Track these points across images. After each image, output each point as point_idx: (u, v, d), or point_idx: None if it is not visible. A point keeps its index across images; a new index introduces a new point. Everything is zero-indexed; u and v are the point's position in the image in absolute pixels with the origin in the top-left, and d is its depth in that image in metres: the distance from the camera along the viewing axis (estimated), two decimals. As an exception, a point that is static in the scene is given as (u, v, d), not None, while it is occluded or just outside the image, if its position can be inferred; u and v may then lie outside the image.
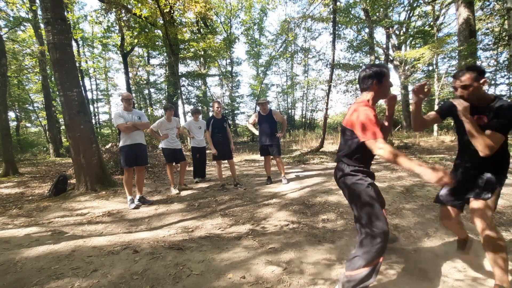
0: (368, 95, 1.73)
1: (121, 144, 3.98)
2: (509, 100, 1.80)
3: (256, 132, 5.09)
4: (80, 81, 5.69)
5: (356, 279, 1.62)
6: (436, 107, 12.86)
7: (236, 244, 2.56)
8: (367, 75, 1.70)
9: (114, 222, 3.32)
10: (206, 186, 5.20)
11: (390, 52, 16.83)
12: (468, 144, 1.78)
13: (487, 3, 12.56)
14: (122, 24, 13.20)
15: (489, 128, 1.66)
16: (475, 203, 1.78)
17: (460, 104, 1.69)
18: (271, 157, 5.15)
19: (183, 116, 13.06)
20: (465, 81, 1.70)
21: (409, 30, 16.98)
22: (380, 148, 1.57)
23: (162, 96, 21.89)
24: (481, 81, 1.69)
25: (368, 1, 11.54)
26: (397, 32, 16.94)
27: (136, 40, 14.01)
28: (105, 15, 12.44)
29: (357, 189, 1.72)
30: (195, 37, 14.78)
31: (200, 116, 5.68)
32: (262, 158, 5.62)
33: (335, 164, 1.97)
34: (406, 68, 15.88)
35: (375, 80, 1.68)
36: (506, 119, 1.64)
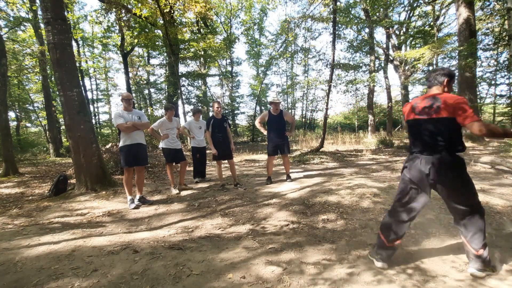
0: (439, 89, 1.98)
1: (121, 144, 3.98)
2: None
3: (264, 132, 5.11)
4: (80, 81, 5.70)
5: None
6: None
7: (236, 244, 2.56)
8: (441, 72, 1.99)
9: (114, 222, 3.32)
10: (206, 186, 5.20)
11: (390, 52, 16.83)
12: None
13: (487, 3, 12.56)
14: (122, 24, 13.21)
15: None
16: None
17: None
18: (277, 156, 5.18)
19: (183, 116, 13.05)
20: None
21: (409, 30, 16.98)
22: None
23: (162, 96, 21.91)
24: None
25: (368, 1, 11.54)
26: (397, 32, 16.94)
27: (136, 40, 14.01)
28: (105, 15, 12.44)
29: (466, 172, 1.89)
30: (195, 37, 14.79)
31: (201, 116, 5.69)
32: (262, 158, 5.63)
33: (422, 160, 1.92)
34: (406, 68, 15.87)
35: (447, 78, 1.96)
36: None
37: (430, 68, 19.31)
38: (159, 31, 13.13)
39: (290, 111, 25.11)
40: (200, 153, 5.65)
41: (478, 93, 14.74)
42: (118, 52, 16.85)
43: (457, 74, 11.55)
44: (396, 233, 2.02)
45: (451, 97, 1.86)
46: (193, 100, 20.15)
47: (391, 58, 16.73)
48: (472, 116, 1.74)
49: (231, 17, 20.73)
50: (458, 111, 1.78)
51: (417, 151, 1.97)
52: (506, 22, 9.46)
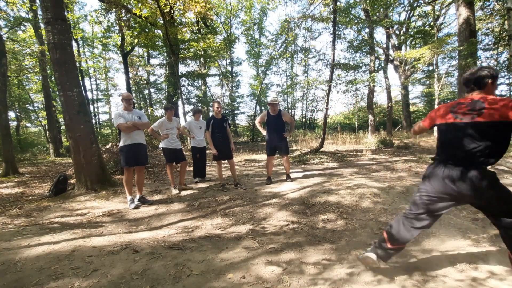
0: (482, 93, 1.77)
1: (121, 144, 3.98)
2: None
3: (264, 132, 5.10)
4: (80, 81, 5.69)
5: None
6: (436, 107, 12.85)
7: (236, 244, 2.56)
8: (485, 74, 1.75)
9: (114, 222, 3.32)
10: (206, 186, 5.20)
11: (390, 52, 16.83)
12: None
13: (487, 3, 12.56)
14: (122, 24, 13.21)
15: None
16: None
17: None
18: (276, 156, 5.18)
19: (183, 116, 13.05)
20: None
21: (409, 30, 17.00)
22: None
23: (162, 96, 21.91)
24: None
25: (368, 1, 11.54)
26: (397, 32, 16.95)
27: (136, 40, 14.01)
28: (105, 15, 12.44)
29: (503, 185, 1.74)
30: (195, 37, 14.78)
31: (201, 116, 5.69)
32: (262, 158, 5.63)
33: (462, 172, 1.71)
34: (406, 68, 15.88)
35: (491, 80, 1.75)
36: None
37: (430, 68, 19.34)
38: (159, 31, 13.13)
39: (290, 111, 25.13)
40: (201, 153, 5.65)
41: (478, 93, 14.70)
42: (118, 52, 16.87)
43: (457, 74, 11.56)
44: (402, 238, 1.89)
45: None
46: (193, 100, 20.15)
47: (391, 58, 16.74)
48: None
49: (231, 17, 20.73)
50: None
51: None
52: (506, 22, 9.46)
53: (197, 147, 5.57)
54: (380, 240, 1.97)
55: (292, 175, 5.37)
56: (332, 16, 9.51)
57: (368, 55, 17.09)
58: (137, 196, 4.08)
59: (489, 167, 1.70)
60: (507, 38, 8.51)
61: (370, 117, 15.89)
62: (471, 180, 1.66)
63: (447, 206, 1.80)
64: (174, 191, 4.67)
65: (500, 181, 1.80)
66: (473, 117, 1.68)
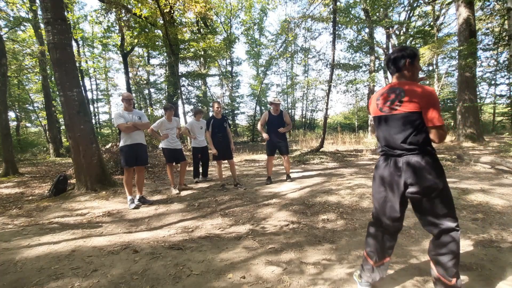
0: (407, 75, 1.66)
1: (121, 144, 3.98)
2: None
3: (265, 136, 5.07)
4: (80, 81, 5.69)
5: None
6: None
7: (236, 244, 2.56)
8: (399, 55, 1.64)
9: (114, 222, 3.32)
10: (206, 186, 5.20)
11: (390, 52, 16.80)
12: None
13: (487, 3, 12.56)
14: (122, 24, 13.20)
15: None
16: None
17: None
18: (276, 156, 5.19)
19: (183, 116, 13.05)
20: None
21: (409, 30, 16.98)
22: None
23: (162, 96, 21.91)
24: None
25: (368, 1, 11.55)
26: (397, 32, 16.94)
27: (136, 40, 14.00)
28: (105, 15, 12.44)
29: (442, 175, 1.56)
30: (195, 37, 14.78)
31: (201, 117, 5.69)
32: (262, 158, 5.63)
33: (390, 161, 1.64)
34: (406, 68, 15.83)
35: (408, 59, 1.62)
36: None
37: (430, 68, 19.33)
38: (159, 31, 13.13)
39: (290, 111, 25.13)
40: (202, 153, 5.65)
41: (478, 93, 14.75)
42: (118, 52, 16.85)
43: (457, 74, 11.56)
44: (381, 249, 1.74)
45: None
46: (193, 100, 20.14)
47: (391, 58, 16.69)
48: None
49: (231, 17, 20.74)
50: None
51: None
52: (506, 22, 9.47)
53: (198, 147, 5.57)
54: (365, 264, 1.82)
55: (292, 175, 5.37)
56: (332, 16, 9.52)
57: (368, 55, 17.09)
58: (137, 196, 4.08)
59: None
60: (507, 38, 8.51)
61: (370, 117, 15.89)
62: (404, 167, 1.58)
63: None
64: (174, 191, 4.67)
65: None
66: (392, 109, 1.61)
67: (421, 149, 1.55)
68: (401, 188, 1.58)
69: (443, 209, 1.53)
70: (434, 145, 1.58)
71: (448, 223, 1.53)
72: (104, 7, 11.77)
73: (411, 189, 1.56)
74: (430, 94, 1.51)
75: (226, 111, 21.99)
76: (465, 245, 2.38)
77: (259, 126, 5.25)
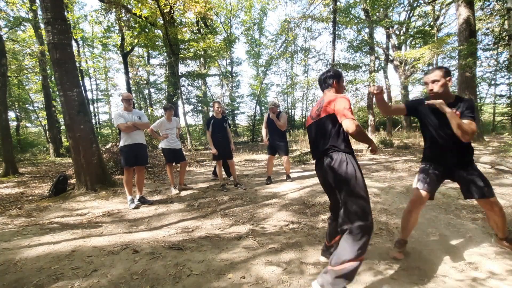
0: (331, 91, 1.99)
1: (121, 144, 3.98)
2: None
3: (265, 140, 5.16)
4: (80, 81, 5.69)
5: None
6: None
7: (236, 244, 2.56)
8: (328, 75, 2.01)
9: (114, 222, 3.32)
10: (206, 186, 5.20)
11: (390, 52, 16.83)
12: (437, 138, 2.11)
13: (487, 3, 12.56)
14: (122, 24, 13.20)
15: (465, 119, 1.94)
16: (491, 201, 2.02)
17: (436, 101, 1.96)
18: (277, 156, 5.21)
19: (183, 116, 13.06)
20: (435, 76, 2.03)
21: (409, 30, 16.99)
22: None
23: (162, 96, 21.90)
24: (447, 79, 2.01)
25: (368, 1, 11.55)
26: (397, 32, 16.95)
27: (136, 40, 14.00)
28: (105, 15, 12.44)
29: (350, 173, 1.75)
30: (195, 37, 14.78)
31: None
32: (262, 158, 5.64)
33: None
34: (406, 68, 15.88)
35: (335, 79, 1.99)
36: (471, 107, 1.98)
37: (430, 68, 19.32)
38: (159, 31, 13.13)
39: (290, 111, 25.12)
40: None
41: (478, 93, 14.76)
42: (118, 52, 16.84)
43: (457, 74, 11.56)
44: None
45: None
46: (193, 100, 20.16)
47: (391, 58, 16.74)
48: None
49: (231, 17, 20.73)
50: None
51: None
52: (506, 22, 9.47)
53: None
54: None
55: (292, 175, 5.37)
56: (332, 16, 9.52)
57: (368, 55, 17.07)
58: (137, 196, 4.08)
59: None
60: (507, 38, 8.51)
61: (370, 117, 15.88)
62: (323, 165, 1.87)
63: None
64: (174, 191, 4.67)
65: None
66: (317, 115, 1.93)
67: (337, 149, 1.81)
68: (328, 184, 1.91)
69: (352, 207, 1.71)
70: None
71: (348, 224, 1.71)
72: (104, 7, 11.77)
73: (331, 185, 1.85)
74: (340, 97, 1.81)
75: (226, 111, 21.97)
76: (465, 245, 2.39)
77: (263, 130, 5.26)
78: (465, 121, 1.92)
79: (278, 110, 5.03)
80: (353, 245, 1.63)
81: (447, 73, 2.03)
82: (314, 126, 1.97)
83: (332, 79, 2.00)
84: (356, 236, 1.65)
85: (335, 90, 1.99)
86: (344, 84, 2.07)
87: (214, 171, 5.78)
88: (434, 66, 15.19)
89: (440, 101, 1.95)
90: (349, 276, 1.63)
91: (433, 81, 2.04)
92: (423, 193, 2.13)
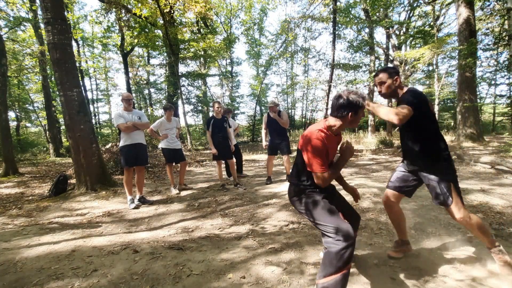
0: (336, 122, 1.68)
1: (121, 144, 3.99)
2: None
3: (265, 143, 5.17)
4: (80, 81, 5.70)
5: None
6: (436, 107, 12.84)
7: (236, 244, 2.56)
8: (344, 104, 1.62)
9: (114, 222, 3.32)
10: (206, 186, 5.20)
11: (390, 52, 16.83)
12: (401, 134, 2.11)
13: (487, 3, 12.55)
14: (122, 24, 13.21)
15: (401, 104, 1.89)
16: (450, 211, 1.91)
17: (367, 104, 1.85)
18: (276, 156, 5.21)
19: (183, 116, 13.06)
20: (381, 78, 2.02)
21: (409, 30, 16.98)
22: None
23: (162, 96, 21.90)
24: (394, 78, 1.99)
25: (368, 1, 11.55)
26: (397, 32, 16.94)
27: (136, 40, 14.01)
28: (105, 15, 12.44)
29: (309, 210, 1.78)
30: (195, 37, 14.78)
31: (230, 116, 5.81)
32: (262, 158, 5.64)
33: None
34: (406, 68, 15.87)
35: (351, 112, 1.62)
36: (409, 96, 1.89)
37: (430, 68, 19.34)
38: (159, 31, 13.13)
39: (290, 111, 25.12)
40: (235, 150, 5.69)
41: (478, 93, 14.75)
42: (118, 52, 16.84)
43: (457, 74, 11.56)
44: None
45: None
46: (193, 100, 20.16)
47: (391, 58, 16.73)
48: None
49: (231, 17, 20.71)
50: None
51: None
52: (506, 22, 9.46)
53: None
54: None
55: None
56: (332, 16, 9.52)
57: (368, 55, 17.09)
58: (137, 196, 4.09)
59: None
60: (507, 38, 8.51)
61: (370, 117, 15.90)
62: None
63: None
64: (174, 191, 4.67)
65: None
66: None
67: (298, 184, 1.81)
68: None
69: (323, 230, 1.68)
70: None
71: (325, 239, 1.70)
72: (104, 7, 11.77)
73: None
74: (306, 137, 1.68)
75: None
76: (465, 245, 2.38)
77: (263, 131, 5.25)
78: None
79: (278, 109, 5.03)
80: (331, 260, 1.58)
81: (391, 74, 2.00)
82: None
83: (347, 110, 1.61)
84: (331, 252, 1.59)
85: (342, 125, 1.66)
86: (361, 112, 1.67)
87: (228, 171, 5.80)
88: (435, 66, 15.21)
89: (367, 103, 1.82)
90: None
91: (380, 83, 2.03)
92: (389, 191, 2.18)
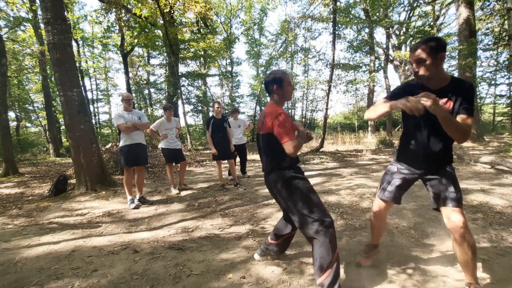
0: (274, 98, 1.89)
1: (121, 144, 3.98)
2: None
3: None
4: (80, 81, 5.69)
5: None
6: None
7: (236, 244, 2.56)
8: (268, 81, 1.87)
9: (114, 222, 3.32)
10: (206, 186, 5.20)
11: (390, 52, 16.83)
12: (419, 133, 1.70)
13: (487, 3, 12.56)
14: (122, 24, 13.20)
15: (460, 113, 1.54)
16: (455, 215, 1.61)
17: (427, 100, 1.35)
18: None
19: (183, 116, 13.06)
20: (419, 54, 1.52)
21: (409, 30, 16.98)
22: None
23: (162, 96, 21.88)
24: (438, 56, 1.50)
25: (368, 1, 11.54)
26: (397, 32, 16.94)
27: (136, 40, 14.01)
28: (105, 15, 12.44)
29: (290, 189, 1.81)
30: (195, 37, 14.78)
31: (238, 116, 5.80)
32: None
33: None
34: (406, 68, 15.87)
35: (275, 85, 1.84)
36: (471, 103, 1.54)
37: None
38: (159, 31, 13.13)
39: (290, 111, 25.11)
40: (240, 150, 5.70)
41: (478, 93, 14.76)
42: (118, 52, 16.83)
43: (457, 74, 11.55)
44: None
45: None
46: (193, 100, 20.14)
47: (391, 58, 16.73)
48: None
49: (231, 17, 20.69)
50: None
51: None
52: (506, 22, 9.47)
53: (235, 145, 5.52)
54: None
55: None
56: (332, 16, 9.52)
57: (368, 55, 17.09)
58: (137, 196, 4.08)
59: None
60: (507, 38, 8.51)
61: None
62: (269, 182, 1.89)
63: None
64: (174, 191, 4.67)
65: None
66: (259, 130, 1.89)
67: (277, 167, 1.81)
68: (274, 196, 1.92)
69: (297, 217, 1.75)
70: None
71: (303, 231, 1.75)
72: (104, 7, 11.76)
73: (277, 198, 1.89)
74: (275, 113, 1.74)
75: (226, 111, 21.96)
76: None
77: None
78: (460, 118, 1.53)
79: None
80: (322, 252, 1.65)
81: (436, 48, 1.48)
82: (260, 138, 1.90)
83: (272, 84, 1.85)
84: (320, 243, 1.66)
85: (277, 98, 1.86)
86: (291, 85, 1.89)
87: (229, 172, 5.81)
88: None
89: (430, 98, 1.36)
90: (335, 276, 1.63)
91: (418, 61, 1.53)
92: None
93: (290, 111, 25.26)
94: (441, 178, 1.69)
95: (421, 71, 1.54)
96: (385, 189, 1.90)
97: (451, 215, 1.61)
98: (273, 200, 3.94)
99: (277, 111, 1.75)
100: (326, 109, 10.16)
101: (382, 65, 17.04)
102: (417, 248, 2.36)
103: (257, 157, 9.14)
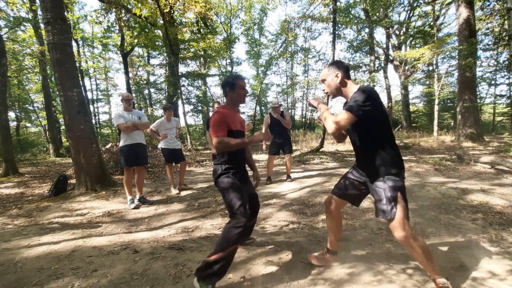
0: (227, 99, 2.13)
1: (121, 144, 3.99)
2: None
3: (264, 147, 5.23)
4: (80, 81, 5.69)
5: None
6: (436, 107, 12.83)
7: (236, 244, 2.55)
8: (223, 84, 2.12)
9: (114, 222, 3.32)
10: (206, 186, 5.20)
11: (390, 52, 16.84)
12: (353, 144, 1.91)
13: (487, 3, 12.56)
14: (122, 24, 13.20)
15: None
16: (394, 231, 1.65)
17: (312, 101, 1.94)
18: (277, 156, 5.26)
19: (183, 116, 13.05)
20: (322, 76, 1.89)
21: (409, 30, 16.99)
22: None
23: (162, 96, 21.89)
24: (335, 75, 1.78)
25: (368, 1, 11.55)
26: (397, 32, 16.95)
27: (136, 40, 14.01)
28: (105, 15, 12.44)
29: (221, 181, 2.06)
30: (195, 37, 14.79)
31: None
32: (263, 158, 5.65)
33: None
34: (406, 68, 15.88)
35: (227, 88, 2.07)
36: (352, 100, 1.66)
37: (430, 68, 19.33)
38: (159, 31, 13.13)
39: (290, 111, 25.13)
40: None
41: (478, 93, 14.75)
42: (118, 52, 16.84)
43: (457, 74, 11.56)
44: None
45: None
46: (193, 100, 20.14)
47: (391, 58, 16.74)
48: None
49: (231, 17, 20.69)
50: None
51: None
52: (506, 22, 9.47)
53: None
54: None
55: (292, 175, 5.37)
56: (332, 16, 9.51)
57: (368, 55, 17.11)
58: (137, 196, 4.09)
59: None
60: (507, 38, 8.52)
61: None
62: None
63: None
64: (174, 191, 4.67)
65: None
66: None
67: (218, 160, 2.07)
68: None
69: (227, 206, 1.96)
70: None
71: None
72: (104, 7, 11.76)
73: None
74: (214, 113, 2.04)
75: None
76: (465, 245, 2.39)
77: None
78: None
79: (281, 110, 5.06)
80: (221, 237, 1.85)
81: (334, 68, 1.78)
82: None
83: (225, 87, 2.08)
84: (224, 228, 1.89)
85: (230, 100, 2.10)
86: (244, 89, 2.08)
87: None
88: (435, 66, 15.20)
89: (314, 100, 1.92)
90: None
91: (323, 81, 1.88)
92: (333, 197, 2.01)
93: (290, 111, 25.28)
94: (374, 188, 1.74)
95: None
96: (336, 185, 2.03)
97: (393, 230, 1.66)
98: (273, 200, 3.95)
99: (217, 111, 2.02)
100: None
101: (382, 65, 17.04)
102: (417, 248, 2.36)
103: (257, 157, 9.14)
